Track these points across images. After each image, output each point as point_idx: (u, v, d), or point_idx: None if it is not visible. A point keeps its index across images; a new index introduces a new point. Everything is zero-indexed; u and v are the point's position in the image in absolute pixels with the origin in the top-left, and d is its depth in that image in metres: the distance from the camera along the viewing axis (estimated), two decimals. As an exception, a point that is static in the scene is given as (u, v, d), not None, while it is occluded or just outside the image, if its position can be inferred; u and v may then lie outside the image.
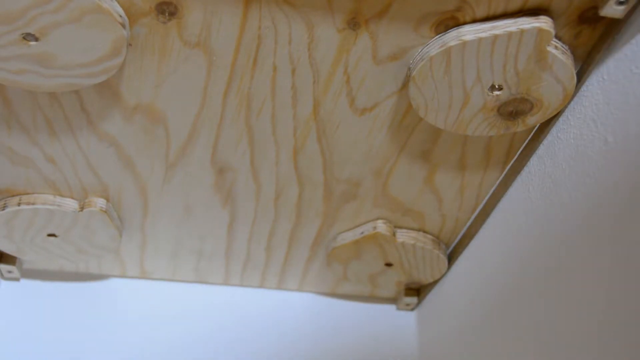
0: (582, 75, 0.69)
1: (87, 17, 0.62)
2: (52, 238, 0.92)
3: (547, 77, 0.67)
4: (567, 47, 0.67)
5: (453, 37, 0.65)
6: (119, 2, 0.64)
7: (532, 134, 0.78)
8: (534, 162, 0.79)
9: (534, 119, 0.72)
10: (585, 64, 0.69)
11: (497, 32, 0.63)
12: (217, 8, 0.65)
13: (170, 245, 1.00)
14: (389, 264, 0.99)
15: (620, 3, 0.62)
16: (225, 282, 1.09)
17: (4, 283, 1.05)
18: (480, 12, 0.64)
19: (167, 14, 0.66)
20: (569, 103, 0.71)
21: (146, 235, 0.97)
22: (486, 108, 0.71)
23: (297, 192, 0.88)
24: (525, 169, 0.81)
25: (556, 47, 0.66)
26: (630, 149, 0.63)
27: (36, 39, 0.64)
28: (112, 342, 1.04)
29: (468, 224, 0.94)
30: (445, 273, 1.01)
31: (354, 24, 0.66)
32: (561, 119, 0.73)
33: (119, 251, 1.01)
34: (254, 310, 1.10)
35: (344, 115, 0.77)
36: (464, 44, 0.64)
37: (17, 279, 1.05)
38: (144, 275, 1.07)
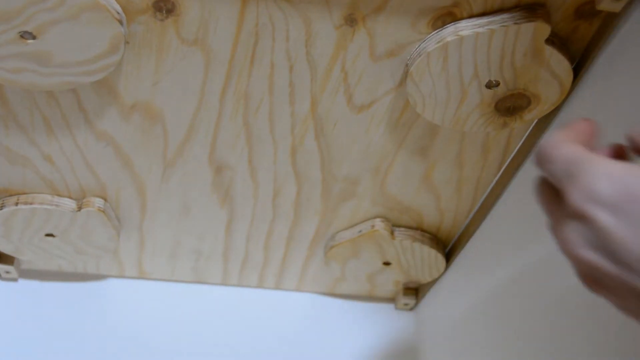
0: (579, 70, 0.69)
1: (85, 14, 0.62)
2: (50, 238, 0.92)
3: (544, 73, 0.67)
4: (563, 42, 0.67)
5: (450, 32, 0.65)
6: (116, -1, 0.64)
7: (529, 131, 0.78)
8: (532, 160, 0.79)
9: (531, 115, 0.72)
10: (582, 59, 0.69)
11: (494, 27, 0.64)
12: (215, 5, 0.65)
13: (168, 245, 1.00)
14: (387, 263, 0.99)
15: (617, -3, 0.62)
16: (224, 282, 1.09)
17: (2, 283, 1.05)
18: (477, 8, 0.64)
19: (164, 12, 0.66)
20: (566, 99, 0.72)
21: (144, 235, 0.97)
22: (483, 104, 0.71)
23: (295, 191, 0.88)
24: (523, 167, 0.80)
25: (553, 42, 0.66)
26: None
27: (34, 37, 0.64)
28: (111, 343, 1.04)
29: (466, 222, 0.94)
30: (444, 272, 1.01)
31: (351, 20, 0.66)
32: (559, 118, 0.73)
33: (117, 251, 1.01)
34: (252, 311, 1.10)
35: (341, 113, 0.77)
36: (461, 39, 0.64)
37: (14, 279, 1.05)
38: (142, 276, 1.07)
